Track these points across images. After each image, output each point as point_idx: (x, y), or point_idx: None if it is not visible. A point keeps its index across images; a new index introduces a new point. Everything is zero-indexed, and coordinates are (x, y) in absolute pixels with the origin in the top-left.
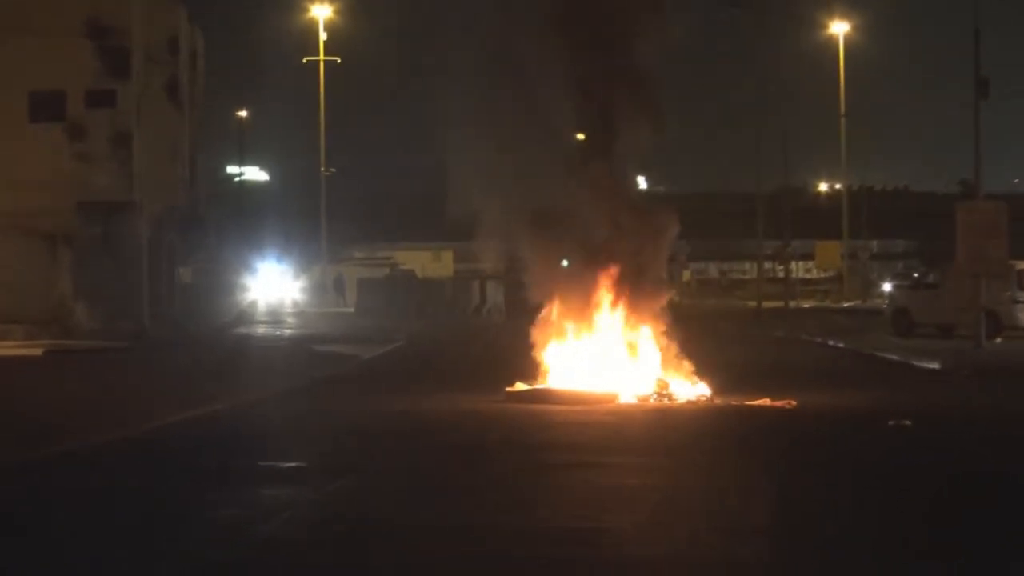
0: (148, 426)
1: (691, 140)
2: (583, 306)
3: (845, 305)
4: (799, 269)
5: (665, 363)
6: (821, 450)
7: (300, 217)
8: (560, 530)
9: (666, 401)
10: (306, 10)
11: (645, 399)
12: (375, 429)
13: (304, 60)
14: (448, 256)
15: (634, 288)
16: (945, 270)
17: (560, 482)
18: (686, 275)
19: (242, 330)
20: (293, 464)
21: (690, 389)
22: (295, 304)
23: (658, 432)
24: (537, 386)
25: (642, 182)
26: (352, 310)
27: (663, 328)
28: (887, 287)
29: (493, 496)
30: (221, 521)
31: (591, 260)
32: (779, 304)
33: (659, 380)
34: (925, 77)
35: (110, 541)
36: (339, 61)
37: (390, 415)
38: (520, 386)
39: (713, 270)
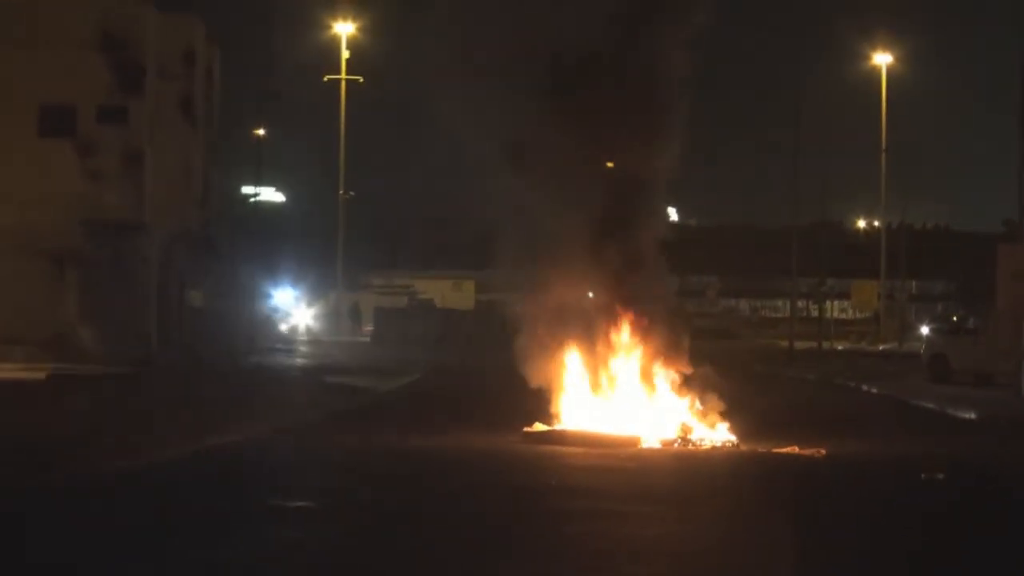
0: (149, 459)
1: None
2: (606, 344)
3: (881, 348)
4: (834, 309)
5: (690, 406)
6: (849, 503)
7: (316, 241)
8: None
9: (690, 447)
10: (328, 27)
11: (668, 444)
12: (384, 469)
13: (325, 79)
14: (470, 286)
15: (658, 327)
16: (985, 315)
17: (573, 531)
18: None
19: (253, 357)
20: (299, 504)
21: (715, 434)
22: (309, 331)
23: (679, 480)
24: (556, 427)
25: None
26: (368, 339)
27: (689, 369)
28: (924, 331)
29: (501, 545)
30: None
31: (613, 297)
32: (812, 344)
33: (683, 424)
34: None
35: None
36: (361, 80)
37: (402, 454)
38: (539, 426)
39: (744, 307)
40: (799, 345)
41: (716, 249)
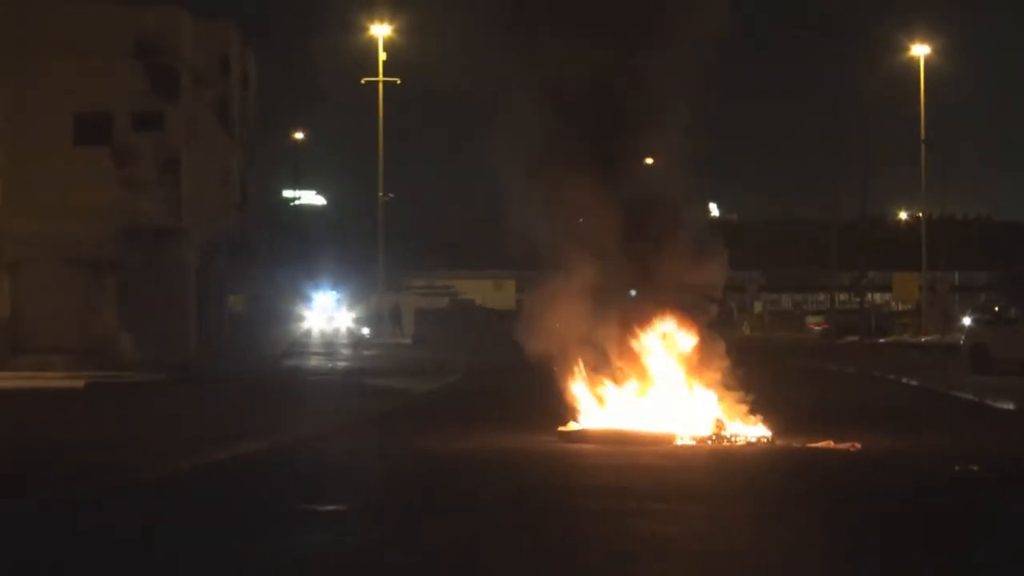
0: (185, 464)
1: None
2: (640, 341)
3: (923, 340)
4: (876, 301)
5: (725, 402)
6: (881, 499)
7: (357, 243)
8: None
9: (724, 443)
10: (365, 29)
11: (703, 441)
12: (420, 471)
13: (363, 81)
14: (510, 285)
15: (693, 321)
16: None
17: (600, 530)
18: (758, 306)
19: (293, 362)
20: (331, 507)
21: (750, 430)
22: (351, 335)
23: (712, 477)
24: (590, 426)
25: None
26: (409, 341)
27: (726, 364)
28: (966, 322)
29: (528, 544)
30: (248, 569)
31: (646, 292)
32: (854, 338)
33: (717, 420)
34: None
35: None
36: (399, 82)
37: (439, 455)
38: (573, 425)
39: (787, 301)
40: (841, 341)
41: (758, 244)
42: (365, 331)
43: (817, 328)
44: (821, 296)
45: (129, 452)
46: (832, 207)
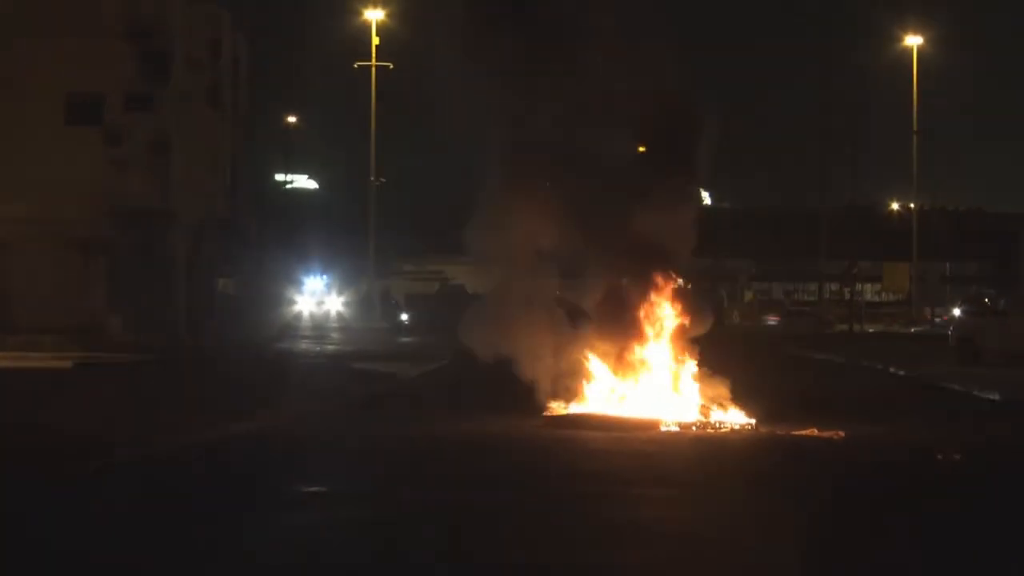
0: (168, 445)
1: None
2: (625, 326)
3: (913, 330)
4: (868, 291)
5: (711, 389)
6: (860, 484)
7: (348, 228)
8: (565, 567)
9: (708, 430)
10: (358, 13)
11: (687, 427)
12: (403, 453)
13: (356, 65)
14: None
15: (679, 306)
16: (1016, 296)
17: (579, 514)
18: (748, 295)
19: (283, 345)
20: (313, 489)
21: (735, 417)
22: (340, 318)
23: (694, 462)
24: (575, 410)
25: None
26: (387, 326)
27: (709, 351)
28: (956, 312)
29: (503, 529)
30: (223, 548)
31: (630, 274)
32: (844, 328)
33: (702, 407)
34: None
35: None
36: (391, 67)
37: (422, 438)
38: (559, 410)
39: (778, 291)
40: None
41: (749, 232)
42: (344, 311)
43: (772, 322)
44: (812, 285)
45: (110, 432)
46: (822, 197)
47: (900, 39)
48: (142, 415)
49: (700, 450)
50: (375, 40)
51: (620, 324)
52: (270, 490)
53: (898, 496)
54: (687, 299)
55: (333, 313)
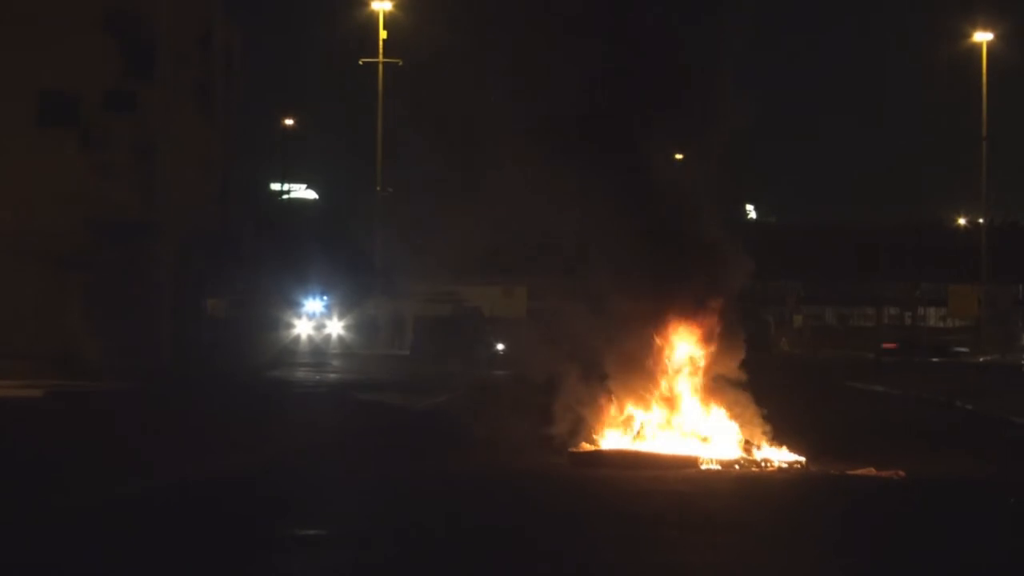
0: (140, 485)
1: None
2: (661, 355)
3: (981, 360)
4: (931, 316)
5: (755, 423)
6: (924, 533)
7: (351, 243)
8: None
9: (753, 468)
10: (365, 4)
11: (729, 465)
12: (411, 496)
13: (360, 62)
14: (522, 293)
15: (719, 332)
16: None
17: (614, 564)
18: (798, 320)
19: (279, 373)
20: (310, 532)
21: (783, 454)
22: (342, 343)
23: (737, 505)
24: (604, 447)
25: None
26: (407, 352)
27: (753, 382)
28: None
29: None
30: None
31: (664, 301)
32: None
33: (746, 443)
34: None
35: None
36: (400, 63)
37: (432, 477)
38: (586, 446)
39: (830, 315)
40: (889, 358)
41: (799, 251)
42: (346, 335)
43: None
44: (869, 310)
45: (78, 470)
46: (882, 211)
47: (967, 35)
48: (117, 448)
49: (743, 491)
50: (383, 34)
51: (653, 351)
52: (253, 533)
53: (968, 544)
54: (729, 324)
55: (335, 338)
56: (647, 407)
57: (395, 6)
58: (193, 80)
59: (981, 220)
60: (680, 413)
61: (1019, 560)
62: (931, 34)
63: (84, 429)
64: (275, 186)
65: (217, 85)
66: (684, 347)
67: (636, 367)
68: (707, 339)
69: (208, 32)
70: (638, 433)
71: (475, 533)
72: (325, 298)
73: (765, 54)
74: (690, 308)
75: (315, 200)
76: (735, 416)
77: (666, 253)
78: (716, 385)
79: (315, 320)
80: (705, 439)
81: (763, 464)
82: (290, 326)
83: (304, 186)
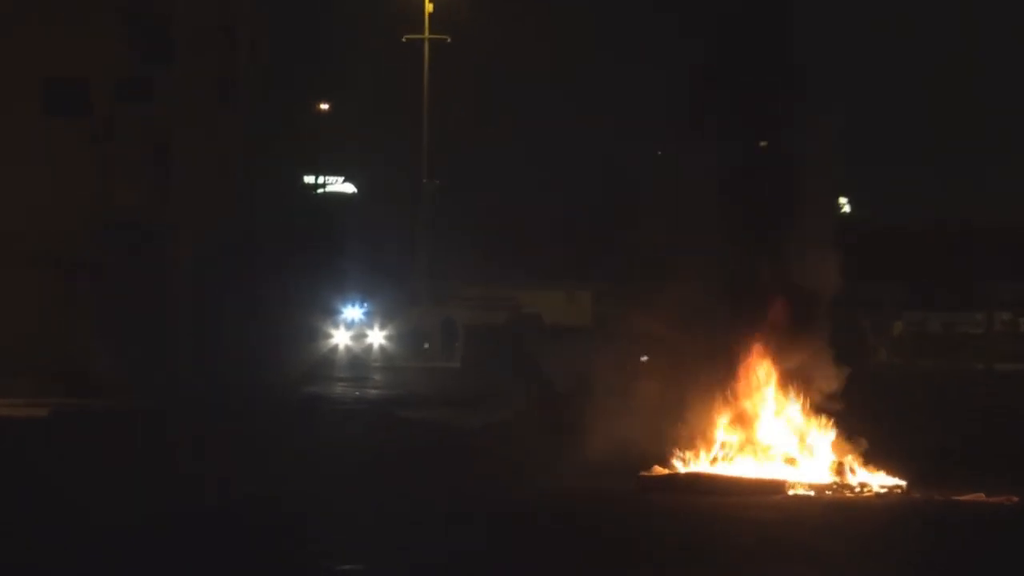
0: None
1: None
2: (738, 368)
3: None
4: None
5: (850, 443)
6: None
7: (395, 243)
8: None
9: (847, 493)
10: None
11: (821, 490)
12: (464, 526)
13: (404, 39)
14: (585, 298)
15: (809, 341)
16: None
17: None
18: (898, 327)
19: (313, 389)
20: (348, 567)
21: (881, 478)
22: (384, 355)
23: (829, 535)
24: (680, 470)
25: (844, 205)
26: (458, 365)
27: (848, 396)
28: None
29: None
30: None
31: (748, 311)
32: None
33: (839, 465)
34: None
35: None
36: (448, 40)
37: (488, 506)
38: (659, 470)
39: (934, 322)
40: (1002, 367)
41: (899, 250)
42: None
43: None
44: (978, 315)
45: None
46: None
47: None
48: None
49: (836, 520)
50: (428, 7)
51: (734, 363)
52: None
53: None
54: (820, 332)
55: (376, 349)
56: (726, 425)
57: None
58: (214, 68)
59: None
60: (764, 432)
61: None
62: None
63: (90, 455)
64: (308, 180)
65: (241, 74)
66: (768, 358)
67: (715, 380)
68: (795, 349)
69: (231, 17)
70: (717, 455)
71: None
72: (365, 305)
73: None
74: (776, 315)
75: (353, 194)
76: (827, 435)
77: (751, 257)
78: (805, 400)
79: (354, 329)
80: (792, 461)
81: (859, 489)
82: (326, 336)
83: (341, 179)
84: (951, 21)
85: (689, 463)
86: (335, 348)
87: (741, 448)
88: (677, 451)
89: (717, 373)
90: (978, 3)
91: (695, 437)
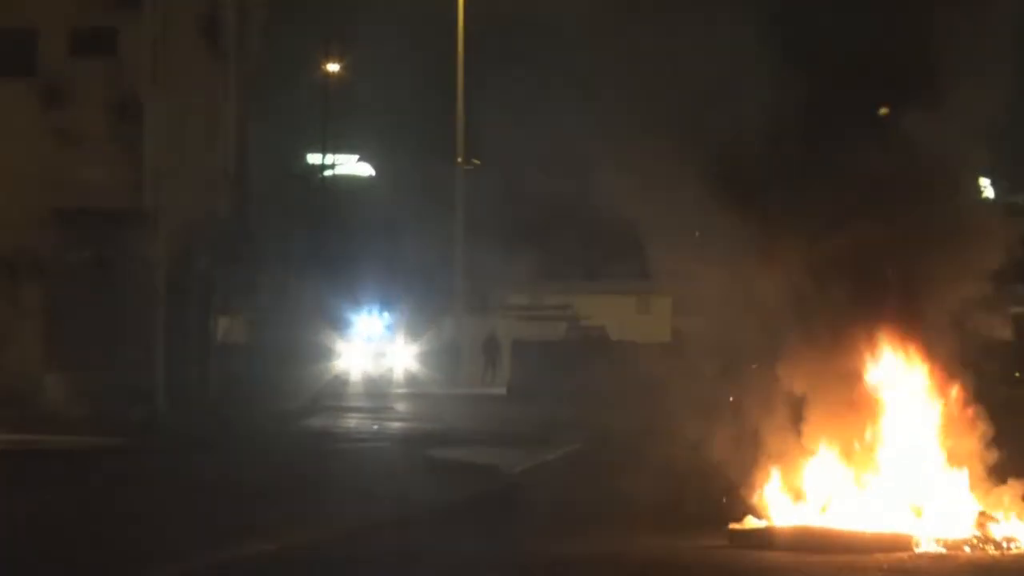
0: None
1: None
2: (847, 395)
3: None
4: None
5: (995, 486)
6: None
7: (422, 237)
8: None
9: (991, 551)
10: None
11: (957, 546)
12: None
13: None
14: (663, 305)
15: (944, 355)
16: None
17: None
18: None
19: (320, 421)
20: None
21: None
22: (410, 378)
23: None
24: (779, 523)
25: (987, 187)
26: (503, 390)
27: (995, 423)
28: None
29: None
30: None
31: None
32: None
33: (980, 515)
34: None
35: None
36: None
37: (541, 567)
38: (751, 522)
39: None
40: None
41: None
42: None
43: None
44: None
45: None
46: None
47: None
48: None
49: None
50: None
51: (847, 385)
52: None
53: None
54: (959, 344)
55: (400, 370)
56: (836, 465)
57: None
58: (197, 16)
59: None
60: (884, 473)
61: None
62: None
63: (35, 502)
64: (314, 158)
65: (229, 24)
66: (891, 379)
67: (822, 407)
68: (926, 366)
69: None
70: (825, 503)
71: None
72: (386, 315)
73: None
74: (901, 326)
75: (370, 177)
76: (966, 476)
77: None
78: (938, 431)
79: (372, 346)
80: (920, 510)
81: (1005, 545)
82: (336, 354)
83: (355, 157)
84: None
85: (789, 512)
86: (347, 370)
87: (853, 493)
88: (775, 496)
89: (827, 396)
90: None
91: (797, 479)
